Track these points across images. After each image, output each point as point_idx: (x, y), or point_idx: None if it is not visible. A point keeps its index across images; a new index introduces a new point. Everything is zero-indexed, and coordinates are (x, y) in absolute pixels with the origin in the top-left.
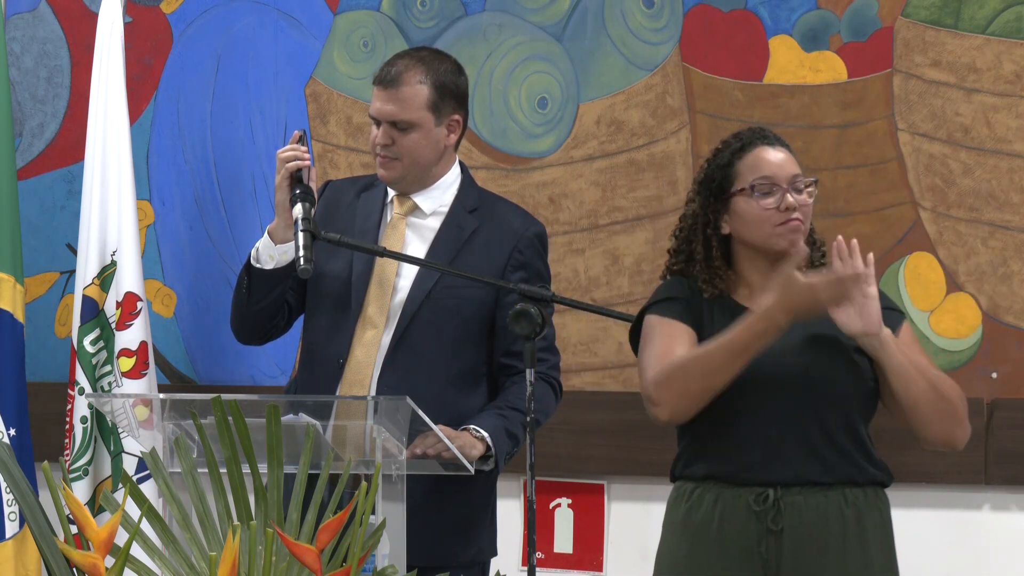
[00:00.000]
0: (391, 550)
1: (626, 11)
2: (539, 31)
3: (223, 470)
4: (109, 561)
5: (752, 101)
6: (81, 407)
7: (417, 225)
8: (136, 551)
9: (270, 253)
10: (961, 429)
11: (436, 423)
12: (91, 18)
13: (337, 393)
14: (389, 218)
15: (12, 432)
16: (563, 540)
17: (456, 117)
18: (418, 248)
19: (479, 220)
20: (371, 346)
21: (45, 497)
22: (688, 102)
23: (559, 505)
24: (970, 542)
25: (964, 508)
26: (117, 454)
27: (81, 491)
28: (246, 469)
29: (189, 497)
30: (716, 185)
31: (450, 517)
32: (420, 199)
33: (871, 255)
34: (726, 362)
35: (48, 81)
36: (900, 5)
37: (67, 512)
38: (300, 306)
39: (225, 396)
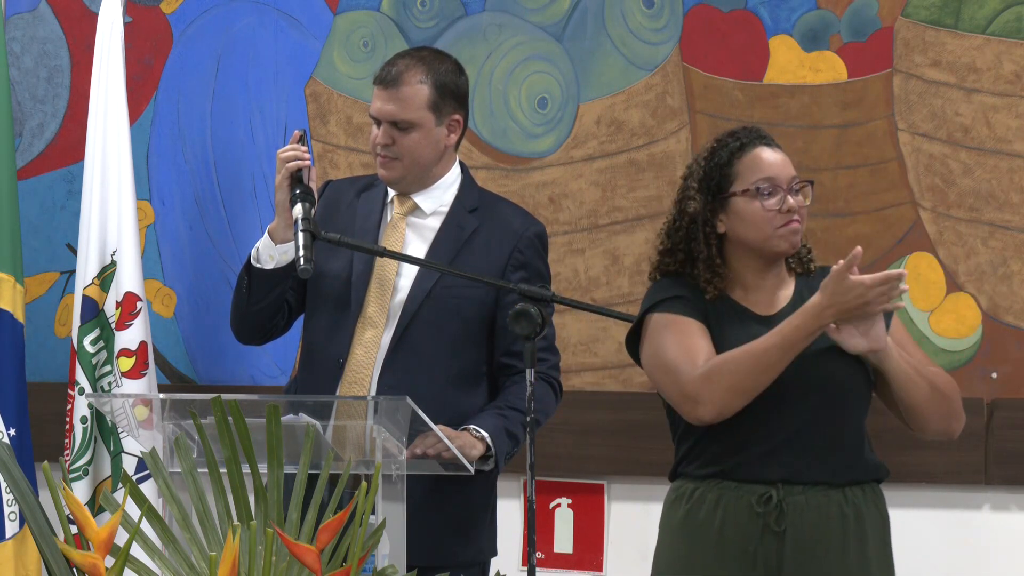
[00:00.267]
0: (391, 550)
1: (626, 11)
2: (539, 31)
3: (223, 470)
4: (109, 561)
5: (752, 101)
6: (81, 407)
7: (417, 225)
8: (136, 551)
9: (270, 253)
10: (958, 421)
11: (436, 423)
12: (91, 18)
13: (337, 393)
14: (389, 218)
15: (12, 432)
16: (563, 540)
17: (456, 117)
18: (418, 248)
19: (479, 220)
20: (371, 346)
21: (45, 497)
22: (688, 102)
23: (559, 505)
24: (970, 542)
25: (964, 508)
26: (117, 454)
27: (81, 491)
28: (246, 469)
29: (189, 497)
30: (714, 184)
31: (450, 517)
32: (420, 199)
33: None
34: (778, 360)
35: (48, 81)
36: (900, 5)
37: (67, 512)
38: (300, 306)
39: (225, 396)
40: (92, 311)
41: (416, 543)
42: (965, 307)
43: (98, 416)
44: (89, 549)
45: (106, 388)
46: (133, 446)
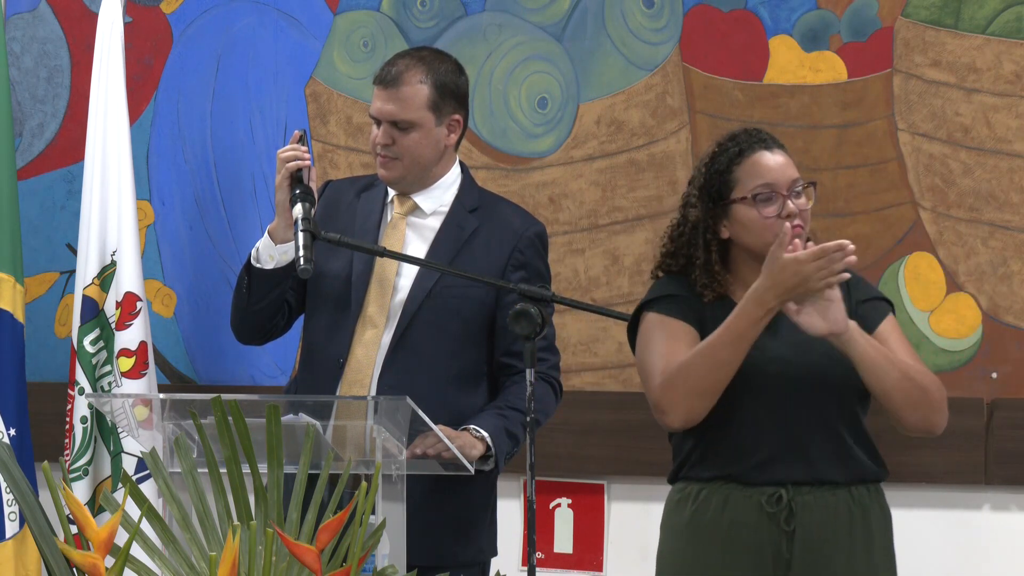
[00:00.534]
0: (391, 550)
1: (626, 11)
2: (539, 31)
3: (223, 470)
4: (109, 561)
5: (752, 101)
6: (81, 407)
7: (417, 225)
8: (136, 551)
9: (270, 253)
10: (937, 415)
11: (436, 423)
12: (91, 18)
13: (337, 393)
14: (389, 218)
15: (12, 432)
16: (563, 540)
17: (456, 117)
18: (418, 248)
19: (479, 220)
20: (371, 346)
21: (45, 497)
22: (688, 102)
23: (559, 505)
24: (970, 542)
25: (964, 508)
26: (117, 454)
27: (81, 491)
28: (246, 469)
29: (189, 497)
30: (715, 191)
31: (450, 517)
32: (420, 199)
33: (849, 243)
34: (731, 353)
35: (48, 81)
36: (900, 5)
37: (67, 512)
38: (300, 306)
39: (225, 396)
40: (92, 311)
41: (416, 543)
42: (965, 307)
43: (98, 416)
44: (89, 549)
45: (106, 388)
46: (133, 446)
